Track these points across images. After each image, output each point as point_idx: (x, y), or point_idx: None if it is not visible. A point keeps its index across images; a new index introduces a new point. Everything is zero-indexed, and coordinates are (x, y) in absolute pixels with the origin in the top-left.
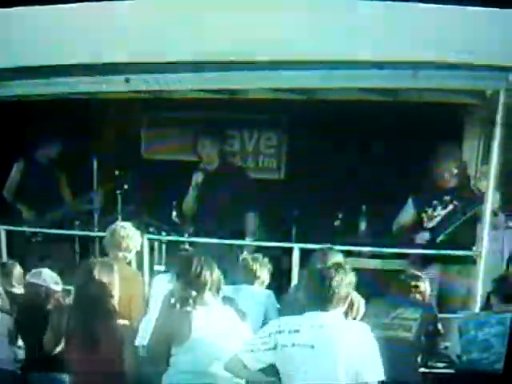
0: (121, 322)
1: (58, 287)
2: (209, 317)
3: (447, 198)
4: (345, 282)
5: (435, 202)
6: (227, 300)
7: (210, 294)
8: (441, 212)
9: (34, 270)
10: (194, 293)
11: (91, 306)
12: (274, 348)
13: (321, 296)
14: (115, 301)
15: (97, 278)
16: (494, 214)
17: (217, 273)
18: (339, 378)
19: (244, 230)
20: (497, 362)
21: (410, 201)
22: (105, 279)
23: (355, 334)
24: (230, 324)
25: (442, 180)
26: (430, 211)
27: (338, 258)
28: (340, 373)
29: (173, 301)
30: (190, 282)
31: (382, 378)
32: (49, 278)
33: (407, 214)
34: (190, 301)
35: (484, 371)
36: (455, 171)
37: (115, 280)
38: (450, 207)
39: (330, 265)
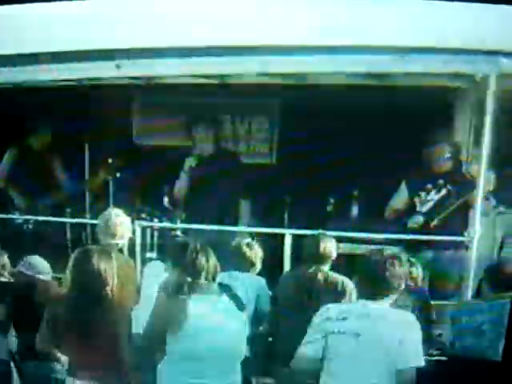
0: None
1: (48, 276)
2: (204, 304)
3: (441, 181)
4: (398, 274)
5: (429, 186)
6: (224, 287)
7: (205, 281)
8: (434, 196)
9: (24, 258)
10: (189, 279)
11: (89, 294)
12: (325, 336)
13: (372, 286)
14: (111, 288)
15: (96, 265)
16: (486, 198)
17: (213, 259)
18: (381, 365)
19: (237, 216)
20: (489, 348)
21: (402, 184)
22: (103, 266)
23: (401, 324)
24: (225, 312)
25: (435, 164)
26: (423, 195)
27: (331, 243)
28: (382, 361)
29: (168, 288)
30: (185, 269)
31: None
32: (40, 266)
33: (400, 198)
34: (185, 288)
35: (477, 358)
36: (448, 155)
37: (114, 268)
38: (444, 191)
39: (386, 255)
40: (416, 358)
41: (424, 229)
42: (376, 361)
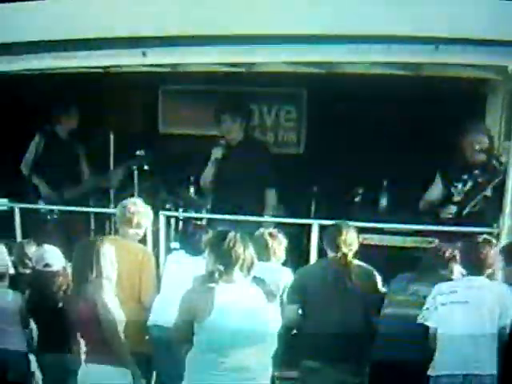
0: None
1: (59, 266)
2: (234, 294)
3: (477, 172)
4: (492, 254)
5: (465, 177)
6: (258, 280)
7: (239, 272)
8: (470, 187)
9: (38, 251)
10: (221, 267)
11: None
12: (436, 308)
13: (476, 265)
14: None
15: (93, 255)
16: None
17: (250, 251)
18: (486, 325)
19: (263, 206)
20: None
21: (438, 176)
22: (101, 255)
23: (497, 291)
24: (255, 304)
25: (470, 155)
26: (459, 186)
27: (352, 233)
28: (486, 320)
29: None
30: (220, 257)
31: None
32: (49, 257)
33: (437, 190)
34: (216, 275)
35: None
36: (483, 146)
37: (112, 256)
38: (479, 180)
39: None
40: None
41: (456, 218)
42: (482, 319)
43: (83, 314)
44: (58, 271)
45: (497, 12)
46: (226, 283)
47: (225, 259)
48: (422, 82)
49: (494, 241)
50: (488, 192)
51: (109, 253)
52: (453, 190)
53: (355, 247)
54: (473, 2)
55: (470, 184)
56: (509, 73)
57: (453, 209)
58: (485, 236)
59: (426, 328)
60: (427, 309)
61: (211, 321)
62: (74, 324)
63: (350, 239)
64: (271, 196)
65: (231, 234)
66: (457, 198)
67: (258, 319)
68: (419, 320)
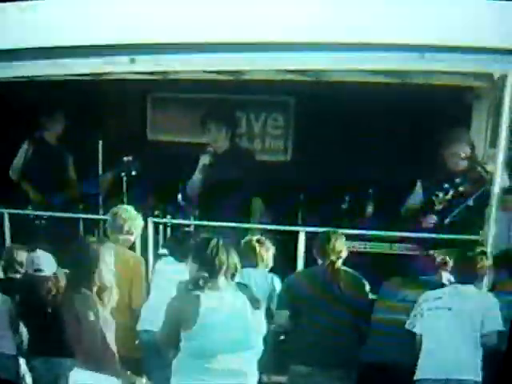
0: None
1: (51, 271)
2: (219, 301)
3: (458, 180)
4: (482, 263)
5: (446, 186)
6: (242, 287)
7: (223, 279)
8: (452, 195)
9: (29, 256)
10: (206, 275)
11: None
12: (422, 315)
13: (468, 274)
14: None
15: (101, 258)
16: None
17: (233, 257)
18: (467, 332)
19: (250, 213)
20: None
21: (418, 184)
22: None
23: (481, 299)
24: (240, 310)
25: (452, 163)
26: (441, 195)
27: (341, 241)
28: (468, 327)
29: (184, 283)
30: (203, 264)
31: (501, 328)
32: (42, 262)
33: (416, 198)
34: (201, 283)
35: None
36: (465, 154)
37: (110, 262)
38: (461, 190)
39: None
40: (496, 323)
41: (438, 228)
42: (465, 325)
43: (76, 324)
44: (49, 276)
45: (482, 19)
46: (211, 290)
47: (208, 266)
48: (408, 89)
49: (488, 252)
50: (470, 202)
51: (109, 259)
52: (434, 198)
53: (344, 254)
54: (459, 10)
55: (451, 193)
56: (494, 80)
57: (434, 218)
58: (482, 248)
59: (414, 334)
60: (414, 316)
61: (197, 328)
62: (67, 330)
63: (339, 247)
64: (257, 203)
65: (214, 241)
66: (438, 207)
67: (242, 325)
68: (407, 326)
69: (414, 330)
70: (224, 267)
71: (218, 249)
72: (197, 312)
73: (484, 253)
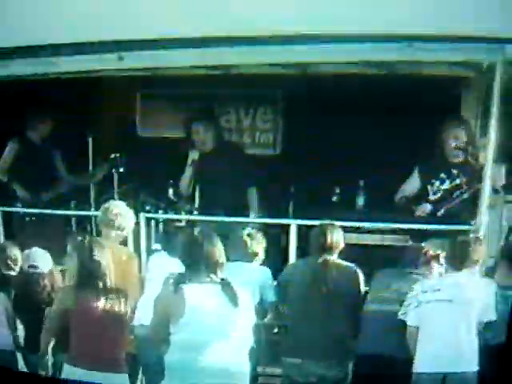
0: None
1: (47, 268)
2: (204, 293)
3: (454, 172)
4: (478, 250)
5: (443, 175)
6: (224, 283)
7: (208, 272)
8: (447, 186)
9: (25, 253)
10: (190, 268)
11: (89, 284)
12: (417, 306)
13: (460, 260)
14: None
15: (96, 256)
16: (496, 191)
17: (217, 249)
18: (469, 322)
19: (241, 206)
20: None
21: (415, 171)
22: (98, 258)
23: (481, 287)
24: (226, 302)
25: (449, 151)
26: (436, 183)
27: (338, 233)
28: (470, 318)
29: (171, 278)
30: (188, 257)
31: (495, 318)
32: (38, 259)
33: (413, 184)
34: (185, 276)
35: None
36: (461, 140)
37: (107, 259)
38: (457, 181)
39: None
40: (491, 308)
41: (431, 218)
42: (465, 317)
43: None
44: (44, 273)
45: (470, 8)
46: (196, 283)
47: (192, 259)
48: (398, 80)
49: (482, 238)
50: (466, 195)
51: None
52: (429, 186)
53: (340, 247)
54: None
55: (447, 183)
56: (484, 69)
57: (428, 207)
58: (477, 235)
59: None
60: (408, 305)
61: (184, 320)
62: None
63: (334, 239)
64: (252, 196)
65: (197, 234)
66: (432, 197)
67: (229, 317)
68: (400, 316)
69: (407, 319)
70: (208, 259)
71: (203, 243)
72: (183, 305)
73: (479, 238)
